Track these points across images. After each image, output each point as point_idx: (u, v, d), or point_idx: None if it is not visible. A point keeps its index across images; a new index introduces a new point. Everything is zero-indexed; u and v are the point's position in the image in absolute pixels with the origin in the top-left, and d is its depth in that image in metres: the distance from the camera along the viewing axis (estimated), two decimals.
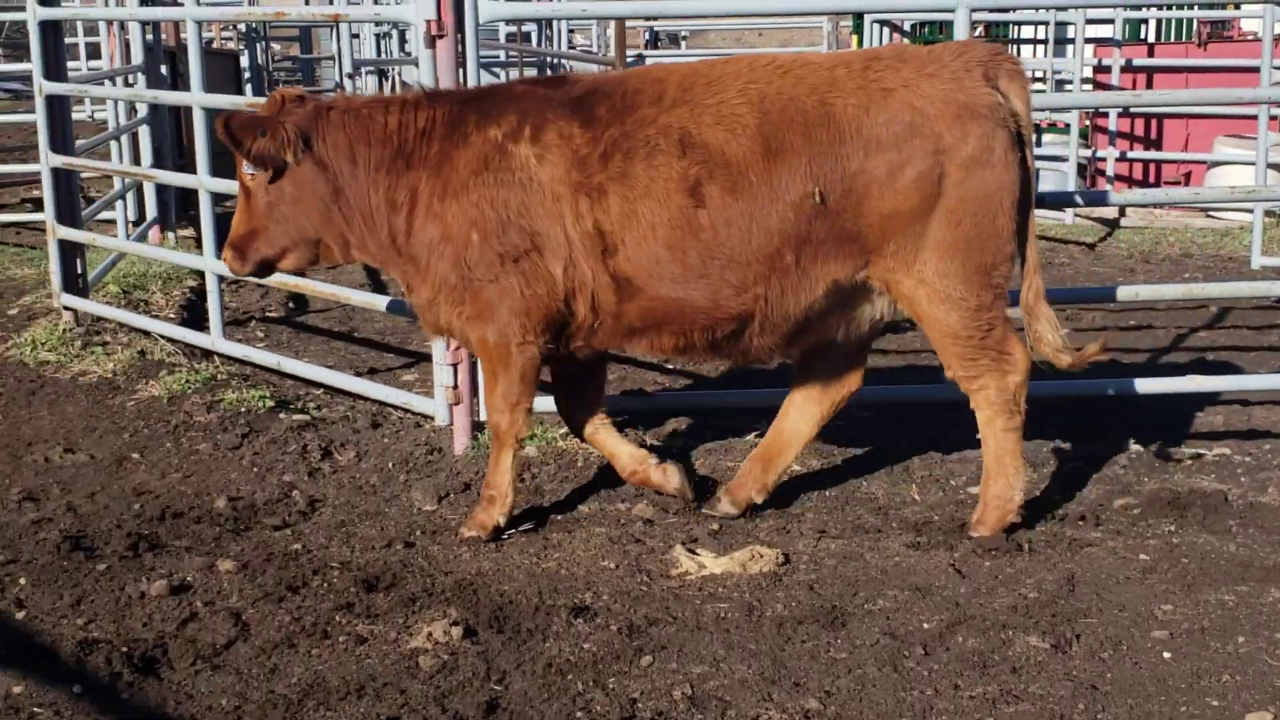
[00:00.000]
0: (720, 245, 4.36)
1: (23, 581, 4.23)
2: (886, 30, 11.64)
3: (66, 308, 7.36)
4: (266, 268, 4.81)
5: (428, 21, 4.97)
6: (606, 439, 4.93)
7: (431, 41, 5.00)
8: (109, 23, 9.17)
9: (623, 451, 4.91)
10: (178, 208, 10.78)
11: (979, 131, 4.26)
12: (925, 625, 3.92)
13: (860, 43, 14.04)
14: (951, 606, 4.04)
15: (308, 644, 3.82)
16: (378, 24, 13.89)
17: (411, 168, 4.52)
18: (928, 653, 3.74)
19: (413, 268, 4.58)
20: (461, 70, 5.06)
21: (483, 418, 5.40)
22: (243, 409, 6.02)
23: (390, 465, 5.36)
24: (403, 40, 14.83)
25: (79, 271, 7.49)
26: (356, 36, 14.70)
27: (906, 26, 12.51)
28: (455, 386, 5.34)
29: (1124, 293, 5.83)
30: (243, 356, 6.51)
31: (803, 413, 4.85)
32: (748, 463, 4.93)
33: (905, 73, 4.34)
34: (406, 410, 5.89)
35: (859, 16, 13.02)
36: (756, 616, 4.00)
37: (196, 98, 6.32)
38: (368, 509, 4.95)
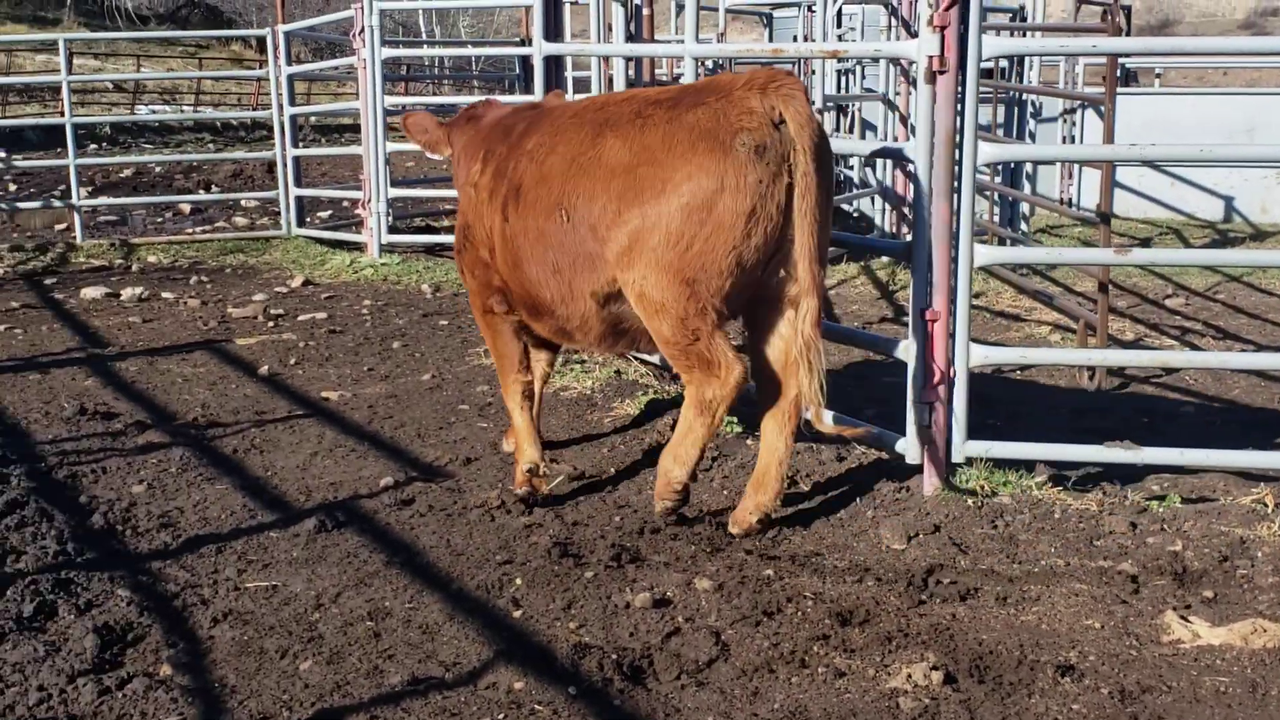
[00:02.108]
0: (516, 251, 5.14)
1: (518, 582, 4.49)
2: None
3: None
4: None
5: (929, 57, 4.93)
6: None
7: (932, 77, 4.96)
8: (601, 57, 9.68)
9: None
10: None
11: (709, 163, 4.52)
12: None
13: None
14: None
15: (786, 671, 3.85)
16: (841, 60, 13.98)
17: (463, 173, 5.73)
18: None
19: None
20: (960, 106, 4.99)
21: (955, 459, 5.32)
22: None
23: (857, 499, 5.34)
24: (863, 76, 14.91)
25: None
26: (814, 72, 14.87)
27: None
28: (929, 426, 5.26)
29: None
30: None
31: (768, 427, 5.04)
32: (747, 489, 5.09)
33: (681, 104, 4.71)
34: (873, 445, 5.85)
35: None
36: (1261, 695, 3.71)
37: None
38: (835, 541, 4.95)
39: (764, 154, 4.50)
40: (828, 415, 5.88)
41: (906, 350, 5.33)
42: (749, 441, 6.01)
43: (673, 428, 6.12)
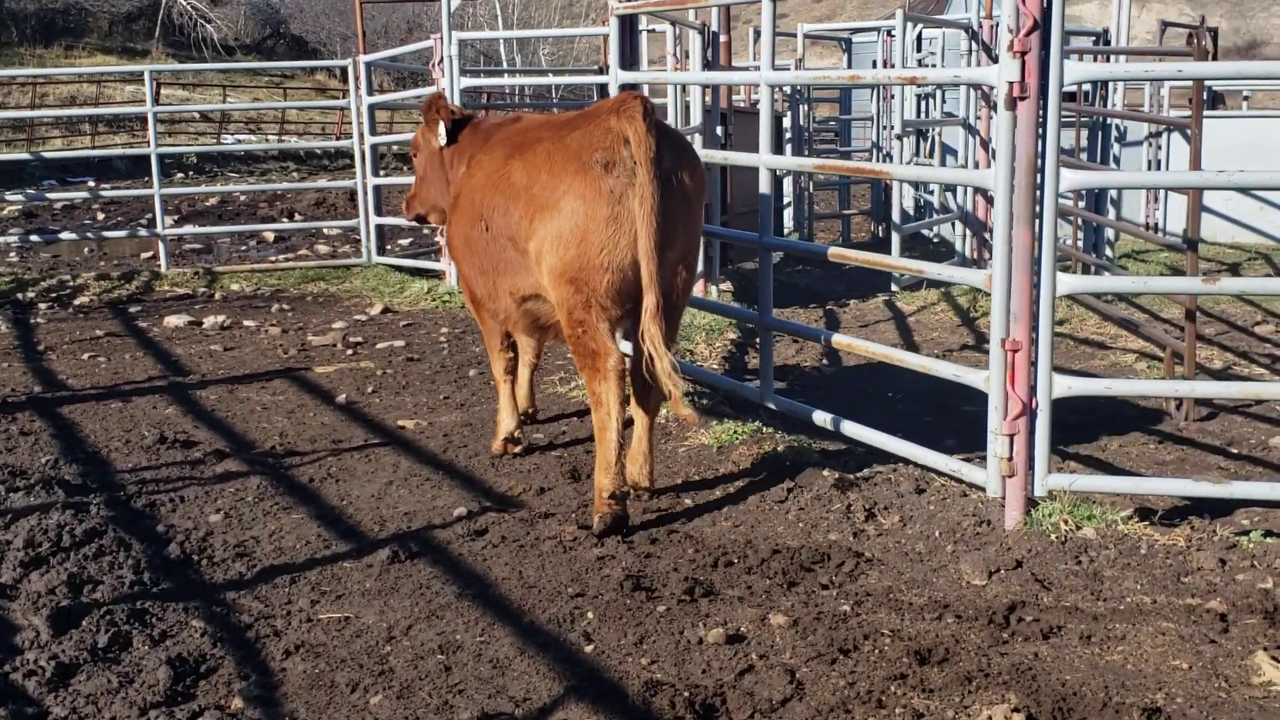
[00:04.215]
0: (455, 253, 6.14)
1: (590, 616, 4.44)
2: None
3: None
4: None
5: (1010, 83, 4.84)
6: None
7: (1012, 103, 4.87)
8: (678, 85, 9.71)
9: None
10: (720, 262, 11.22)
11: (576, 183, 5.21)
12: None
13: None
14: None
15: (863, 711, 3.75)
16: (921, 85, 13.87)
17: None
18: None
19: None
20: (1041, 131, 4.89)
21: (1037, 492, 5.20)
22: (787, 463, 6.09)
23: (936, 533, 5.23)
24: (943, 101, 14.77)
25: None
26: (893, 97, 14.77)
27: None
28: (1010, 458, 5.14)
29: None
30: (789, 411, 6.59)
31: (636, 411, 5.75)
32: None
33: (565, 129, 5.43)
34: (952, 477, 5.74)
35: None
36: None
37: (764, 159, 6.50)
38: (914, 576, 4.84)
39: (612, 169, 5.19)
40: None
41: (987, 381, 5.23)
42: (824, 472, 5.92)
43: (755, 461, 6.12)
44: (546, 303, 5.60)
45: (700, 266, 10.74)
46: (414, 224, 15.26)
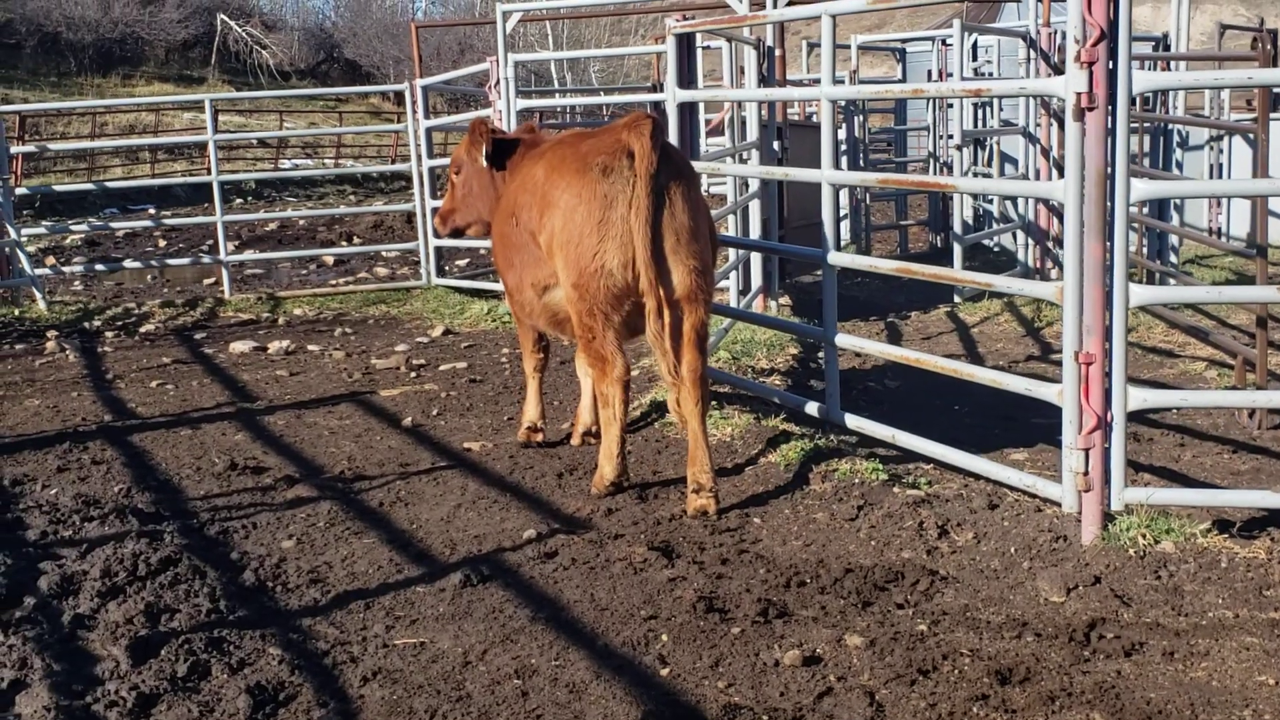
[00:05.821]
0: (494, 248, 6.64)
1: (664, 639, 4.42)
2: None
3: None
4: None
5: (1078, 94, 4.79)
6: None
7: (1080, 114, 4.82)
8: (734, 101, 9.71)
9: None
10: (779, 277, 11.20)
11: (575, 181, 5.68)
12: None
13: None
14: None
15: None
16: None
17: None
18: None
19: None
20: (1110, 141, 4.84)
21: (1113, 507, 5.13)
22: (856, 480, 6.05)
23: (1012, 550, 5.17)
24: (1001, 109, 14.66)
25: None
26: (950, 107, 14.68)
27: None
28: (1086, 473, 5.07)
29: None
30: (856, 428, 6.55)
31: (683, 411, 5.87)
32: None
33: (586, 137, 5.95)
34: (1025, 493, 5.68)
35: None
36: None
37: (827, 175, 6.47)
38: (991, 594, 4.79)
39: (609, 174, 5.57)
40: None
41: (1060, 395, 5.17)
42: (895, 489, 5.87)
43: (823, 477, 6.10)
44: (559, 290, 5.98)
45: (760, 281, 10.74)
46: (473, 246, 15.36)
